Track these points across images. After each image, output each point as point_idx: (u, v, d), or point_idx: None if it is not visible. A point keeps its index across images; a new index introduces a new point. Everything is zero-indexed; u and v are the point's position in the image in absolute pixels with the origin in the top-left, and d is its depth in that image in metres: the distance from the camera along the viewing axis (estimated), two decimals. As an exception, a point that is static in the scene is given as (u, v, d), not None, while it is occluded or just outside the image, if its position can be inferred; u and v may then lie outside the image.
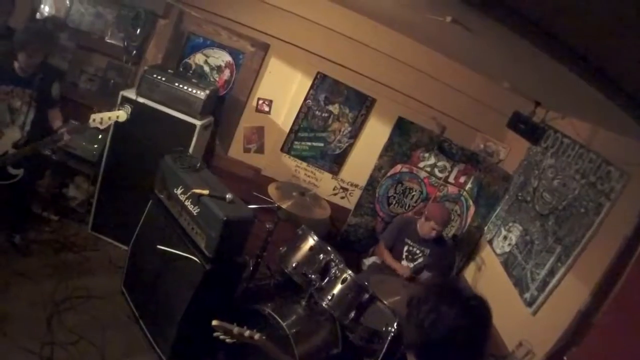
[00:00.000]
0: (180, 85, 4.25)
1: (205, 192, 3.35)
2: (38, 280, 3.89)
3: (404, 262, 4.31)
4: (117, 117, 3.81)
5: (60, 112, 4.02)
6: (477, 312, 1.58)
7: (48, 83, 3.87)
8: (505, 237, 4.10)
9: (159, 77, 4.24)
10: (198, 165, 3.73)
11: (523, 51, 1.82)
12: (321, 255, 3.63)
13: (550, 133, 3.95)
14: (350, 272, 3.53)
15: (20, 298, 3.67)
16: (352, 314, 3.51)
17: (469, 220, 4.75)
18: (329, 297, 3.49)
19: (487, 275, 4.26)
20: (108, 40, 4.89)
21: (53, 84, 3.92)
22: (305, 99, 4.85)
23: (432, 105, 4.73)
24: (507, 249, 4.00)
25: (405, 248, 4.33)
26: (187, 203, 3.44)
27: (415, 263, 4.30)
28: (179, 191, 3.52)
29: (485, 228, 4.52)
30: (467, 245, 4.65)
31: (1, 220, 4.19)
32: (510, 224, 4.10)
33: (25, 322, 3.47)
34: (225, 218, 3.18)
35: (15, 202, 4.13)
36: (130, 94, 4.24)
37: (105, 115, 3.76)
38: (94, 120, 3.72)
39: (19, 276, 3.87)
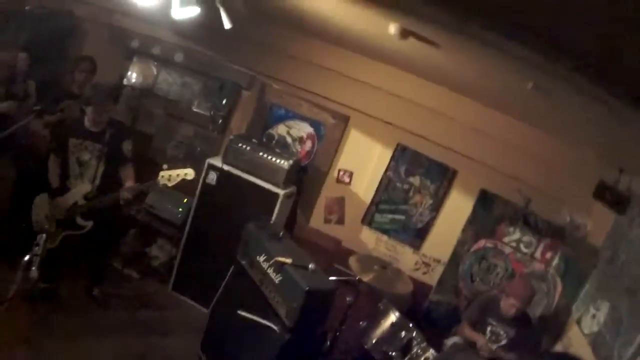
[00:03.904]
0: (265, 155, 4.38)
1: (288, 260, 3.37)
2: (115, 335, 3.95)
3: (487, 344, 4.07)
4: (185, 174, 3.79)
5: (132, 170, 4.04)
6: None
7: (118, 140, 3.96)
8: (593, 316, 3.81)
9: (244, 146, 4.41)
10: (281, 234, 3.77)
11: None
12: (403, 333, 3.53)
13: (637, 202, 3.72)
14: (433, 351, 3.40)
15: (96, 351, 3.71)
16: (433, 397, 3.35)
17: (556, 299, 4.46)
18: (410, 377, 3.36)
19: (574, 357, 3.95)
20: (195, 110, 5.18)
21: (124, 142, 4.01)
22: (386, 171, 4.84)
23: (515, 175, 4.54)
24: (595, 329, 3.70)
25: (489, 329, 4.08)
26: (270, 271, 3.45)
27: (499, 344, 4.05)
28: (261, 259, 3.55)
29: (574, 307, 4.22)
30: (555, 326, 4.33)
31: (79, 272, 4.30)
32: (599, 301, 3.82)
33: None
34: (307, 288, 3.16)
35: (91, 255, 4.24)
36: (216, 161, 4.42)
37: (174, 172, 3.78)
38: (162, 177, 3.76)
39: (96, 328, 3.94)
